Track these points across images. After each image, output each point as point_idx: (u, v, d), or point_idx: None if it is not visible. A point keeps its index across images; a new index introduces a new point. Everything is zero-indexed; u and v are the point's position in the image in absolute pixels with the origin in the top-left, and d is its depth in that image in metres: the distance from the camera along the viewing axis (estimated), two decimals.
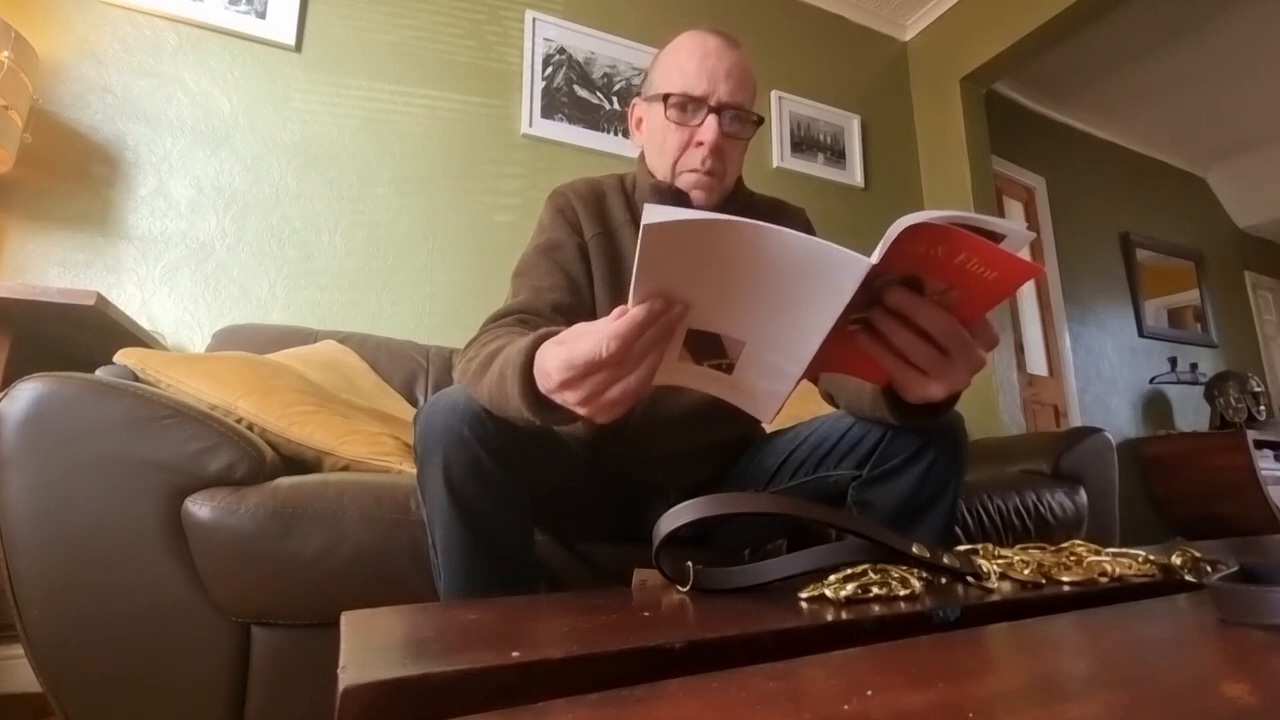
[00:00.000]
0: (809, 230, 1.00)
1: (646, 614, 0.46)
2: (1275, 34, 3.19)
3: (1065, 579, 0.52)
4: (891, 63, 3.01)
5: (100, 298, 1.16)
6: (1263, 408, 3.51)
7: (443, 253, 1.94)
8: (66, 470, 0.79)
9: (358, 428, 1.14)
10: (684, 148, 0.86)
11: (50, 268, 1.53)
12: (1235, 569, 0.42)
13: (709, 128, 0.83)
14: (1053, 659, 0.34)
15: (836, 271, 0.44)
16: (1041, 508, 1.45)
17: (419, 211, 1.94)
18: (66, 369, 0.84)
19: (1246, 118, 3.88)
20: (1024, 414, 2.66)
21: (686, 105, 0.84)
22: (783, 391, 0.55)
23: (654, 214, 0.40)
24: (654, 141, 0.89)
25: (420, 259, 1.91)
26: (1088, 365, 3.46)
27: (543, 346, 0.55)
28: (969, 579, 0.52)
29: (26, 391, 0.79)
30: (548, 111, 2.16)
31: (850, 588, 0.47)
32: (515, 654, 0.34)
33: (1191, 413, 3.81)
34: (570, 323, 0.81)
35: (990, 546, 0.60)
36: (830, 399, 0.89)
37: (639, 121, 0.94)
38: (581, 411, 0.53)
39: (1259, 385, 3.58)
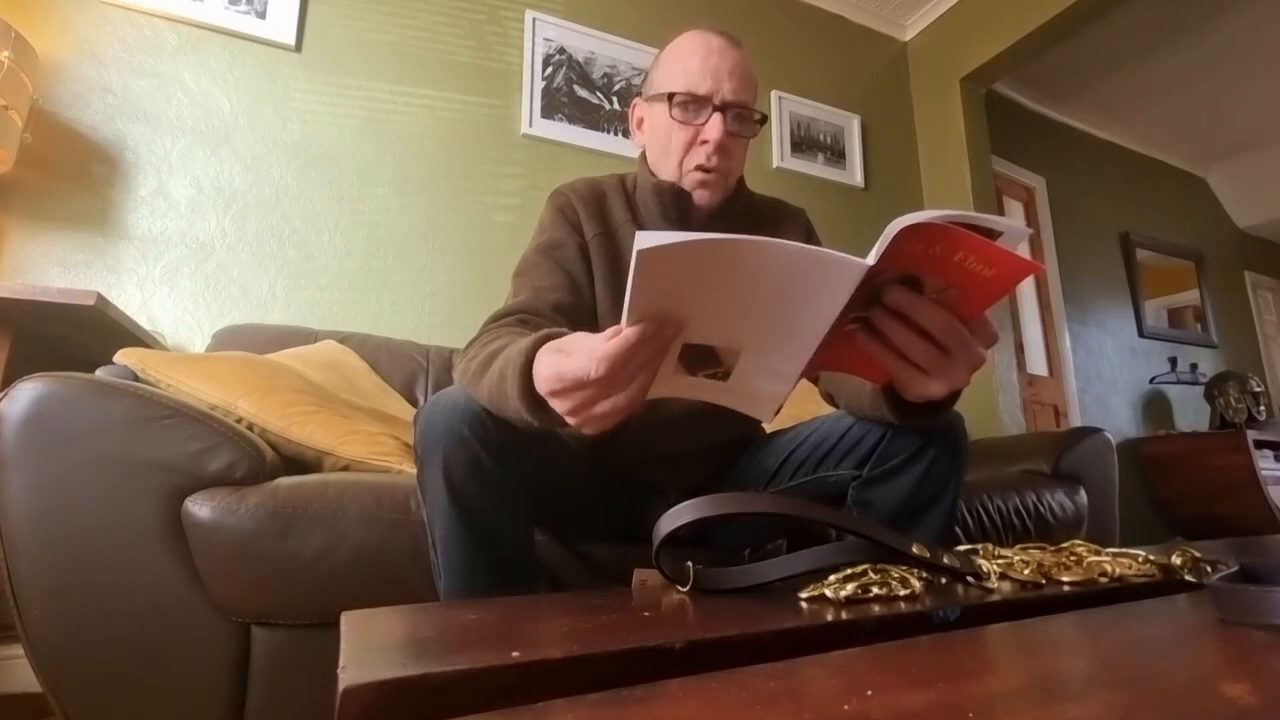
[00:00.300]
0: (809, 231, 1.00)
1: (646, 614, 0.46)
2: (1275, 34, 3.19)
3: (1065, 579, 0.52)
4: (891, 63, 3.01)
5: (100, 298, 1.16)
6: (1263, 408, 3.51)
7: (443, 253, 1.94)
8: (66, 470, 0.79)
9: (358, 428, 1.14)
10: (688, 146, 0.86)
11: (50, 268, 1.53)
12: (1235, 569, 0.42)
13: (714, 125, 0.83)
14: (1053, 659, 0.34)
15: (832, 277, 0.44)
16: (1041, 508, 1.45)
17: (419, 211, 1.94)
18: (66, 369, 0.84)
19: (1246, 118, 3.88)
20: (1024, 414, 2.66)
21: (691, 104, 0.84)
22: (781, 393, 0.55)
23: (646, 239, 0.40)
24: (657, 141, 0.89)
25: (420, 259, 1.91)
26: (1088, 365, 3.46)
27: (541, 350, 0.55)
28: (969, 579, 0.52)
29: (26, 391, 0.79)
30: (548, 111, 2.16)
31: (850, 588, 0.47)
32: (515, 654, 0.34)
33: (1191, 413, 3.81)
34: (571, 322, 0.81)
35: (990, 546, 0.60)
36: (830, 399, 0.90)
37: (640, 121, 0.94)
38: (570, 422, 0.53)
39: (1259, 385, 3.58)
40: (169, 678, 0.81)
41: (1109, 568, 0.55)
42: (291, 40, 1.85)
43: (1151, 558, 0.58)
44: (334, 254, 1.81)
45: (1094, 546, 0.61)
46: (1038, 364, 3.30)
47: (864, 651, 0.34)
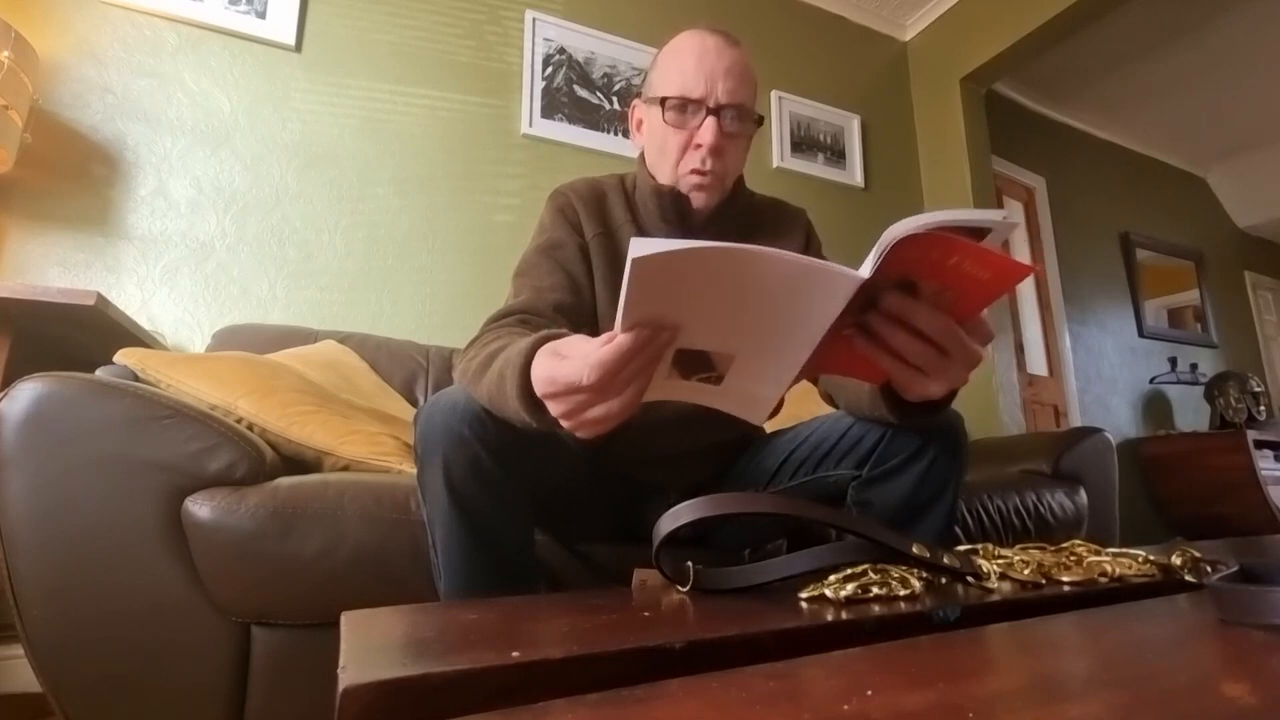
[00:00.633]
0: (810, 231, 1.00)
1: (646, 614, 0.46)
2: (1275, 34, 3.19)
3: (1065, 579, 0.52)
4: (891, 63, 3.01)
5: (100, 298, 1.16)
6: (1263, 408, 3.51)
7: (443, 253, 1.94)
8: (66, 470, 0.79)
9: (358, 428, 1.14)
10: (683, 150, 0.85)
11: (50, 268, 1.53)
12: (1235, 569, 0.42)
13: (708, 129, 0.83)
14: (1053, 659, 0.34)
15: (828, 288, 0.44)
16: (1041, 508, 1.45)
17: (419, 211, 1.94)
18: (66, 369, 0.84)
19: (1246, 118, 3.88)
20: (1024, 414, 2.66)
21: (685, 107, 0.84)
22: (774, 396, 0.55)
23: (641, 246, 0.40)
24: (654, 143, 0.89)
25: (420, 259, 1.91)
26: (1088, 365, 3.46)
27: (540, 351, 0.55)
28: (969, 579, 0.52)
29: (26, 391, 0.79)
30: (548, 111, 2.16)
31: (850, 588, 0.47)
32: (515, 654, 0.34)
33: (1191, 413, 3.81)
34: (571, 323, 0.81)
35: (990, 546, 0.60)
36: (830, 399, 0.89)
37: (639, 123, 0.94)
38: (564, 425, 0.53)
39: (1259, 385, 3.58)
40: (169, 678, 0.81)
41: (1109, 568, 0.55)
42: (291, 40, 1.85)
43: (1151, 558, 0.58)
44: (334, 254, 1.81)
45: (1094, 546, 0.61)
46: (1038, 364, 3.30)
47: (864, 651, 0.34)
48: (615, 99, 2.27)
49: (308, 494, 0.87)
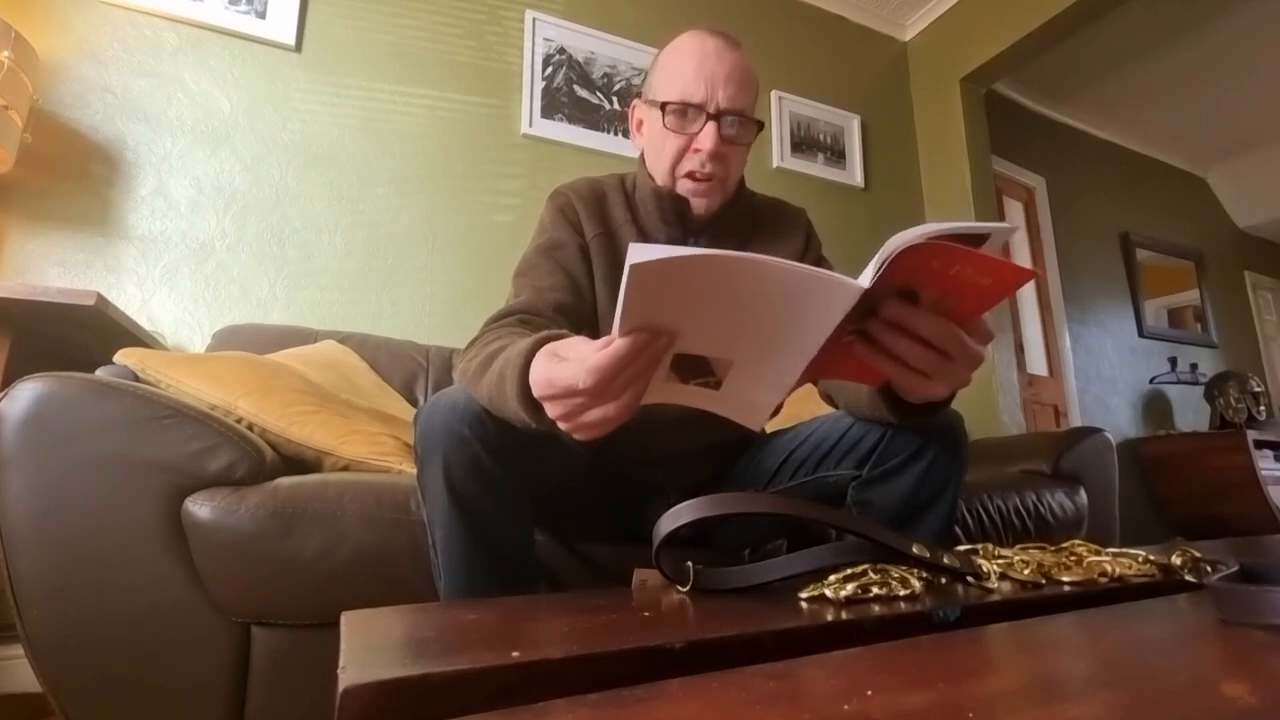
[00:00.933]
0: (810, 231, 1.00)
1: (646, 614, 0.46)
2: (1275, 34, 3.19)
3: (1065, 579, 0.52)
4: (891, 63, 3.01)
5: (100, 298, 1.16)
6: (1263, 408, 3.51)
7: (443, 253, 1.94)
8: (66, 470, 0.79)
9: (358, 428, 1.14)
10: (682, 153, 0.85)
11: (50, 268, 1.53)
12: (1235, 569, 0.42)
13: (707, 135, 0.83)
14: (1053, 659, 0.34)
15: (828, 297, 0.44)
16: (1041, 508, 1.45)
17: (419, 211, 1.94)
18: (66, 369, 0.84)
19: (1246, 118, 3.88)
20: (1024, 414, 2.66)
21: (685, 112, 0.84)
22: (773, 402, 0.55)
23: (639, 253, 0.40)
24: (653, 145, 0.89)
25: (420, 259, 1.91)
26: (1088, 365, 3.46)
27: (539, 353, 0.55)
28: (969, 579, 0.52)
29: (26, 391, 0.79)
30: (548, 111, 2.16)
31: (850, 588, 0.47)
32: (515, 654, 0.34)
33: (1191, 413, 3.81)
34: (572, 323, 0.81)
35: (990, 546, 0.60)
36: (830, 400, 0.89)
37: (639, 123, 0.94)
38: (561, 428, 0.53)
39: (1259, 385, 3.58)
40: (169, 678, 0.81)
41: (1109, 568, 0.55)
42: (291, 40, 1.85)
43: (1151, 558, 0.58)
44: (334, 254, 1.81)
45: (1094, 546, 0.61)
46: (1038, 364, 3.30)
47: (864, 651, 0.34)
48: (615, 99, 2.27)
49: (308, 494, 0.87)
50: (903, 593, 0.48)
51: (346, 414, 1.18)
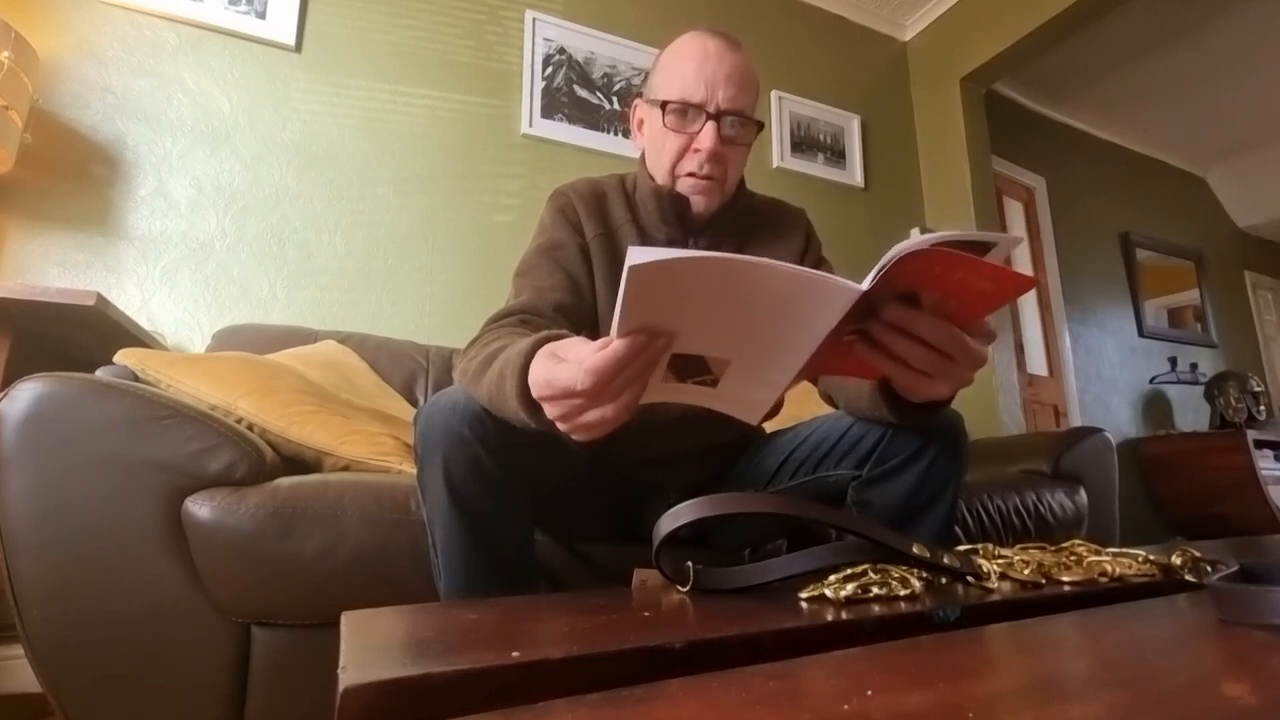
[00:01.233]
0: (809, 231, 1.00)
1: (646, 614, 0.46)
2: (1275, 34, 3.19)
3: (1065, 579, 0.52)
4: (891, 63, 3.01)
5: (100, 298, 1.16)
6: (1263, 408, 3.51)
7: (443, 253, 1.94)
8: (66, 470, 0.79)
9: (358, 428, 1.14)
10: (682, 153, 0.85)
11: (50, 268, 1.53)
12: (1235, 569, 0.42)
13: (707, 135, 0.83)
14: (1053, 659, 0.34)
15: (826, 299, 0.45)
16: (1041, 508, 1.45)
17: (419, 211, 1.94)
18: (66, 369, 0.84)
19: (1246, 118, 3.88)
20: (1024, 414, 2.66)
21: (685, 112, 0.84)
22: (770, 400, 0.55)
23: (638, 255, 0.40)
24: (654, 145, 0.89)
25: (420, 259, 1.91)
26: (1088, 365, 3.46)
27: (538, 353, 0.55)
28: (969, 579, 0.52)
29: (26, 391, 0.79)
30: (548, 111, 2.16)
31: (850, 588, 0.47)
32: (515, 654, 0.34)
33: (1191, 413, 3.81)
34: (572, 323, 0.81)
35: (990, 546, 0.60)
36: (829, 399, 0.89)
37: (640, 123, 0.94)
38: (560, 428, 0.53)
39: (1259, 385, 3.58)
40: (169, 678, 0.81)
41: (1109, 568, 0.55)
42: (291, 40, 1.85)
43: (1151, 558, 0.58)
44: (334, 254, 1.81)
45: (1094, 546, 0.61)
46: (1038, 364, 3.30)
47: (864, 651, 0.34)
48: (615, 99, 2.27)
49: (308, 494, 0.87)
50: (903, 593, 0.48)
51: (346, 414, 1.18)
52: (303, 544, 0.84)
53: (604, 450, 0.90)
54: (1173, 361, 3.77)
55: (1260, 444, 3.20)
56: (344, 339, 1.56)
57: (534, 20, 2.19)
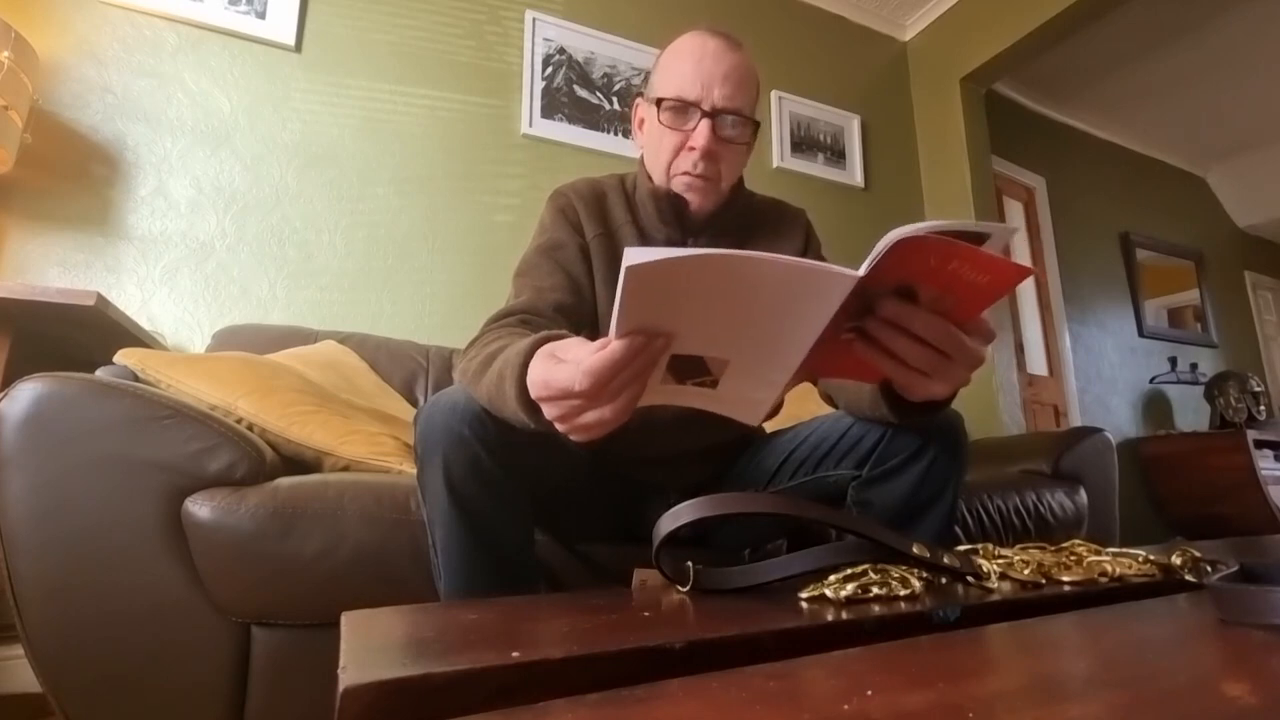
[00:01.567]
0: (809, 231, 1.00)
1: (646, 614, 0.46)
2: (1275, 34, 3.19)
3: (1065, 579, 0.52)
4: (891, 63, 3.01)
5: (100, 298, 1.16)
6: (1263, 408, 3.51)
7: (443, 253, 1.94)
8: (66, 470, 0.79)
9: (358, 428, 1.14)
10: (676, 151, 0.85)
11: (50, 268, 1.53)
12: (1235, 569, 0.42)
13: (701, 133, 0.83)
14: (1053, 659, 0.34)
15: (823, 288, 0.44)
16: (1041, 508, 1.45)
17: (419, 211, 1.94)
18: (66, 369, 0.84)
19: (1246, 118, 3.88)
20: (1024, 414, 2.66)
21: (680, 109, 0.84)
22: (769, 399, 0.55)
23: (634, 255, 0.40)
24: (651, 143, 0.89)
25: (420, 259, 1.91)
26: (1088, 365, 3.46)
27: (537, 353, 0.55)
28: (969, 579, 0.52)
29: (26, 391, 0.79)
30: (548, 111, 2.16)
31: (850, 588, 0.47)
32: (515, 654, 0.34)
33: (1191, 413, 3.81)
34: (572, 323, 0.81)
35: (990, 546, 0.60)
36: (829, 399, 0.89)
37: (641, 122, 0.94)
38: (558, 429, 0.53)
39: (1259, 385, 3.58)
40: (169, 678, 0.81)
41: (1109, 568, 0.55)
42: (291, 40, 1.85)
43: (1151, 558, 0.58)
44: (334, 254, 1.81)
45: (1094, 546, 0.61)
46: (1038, 364, 3.30)
47: (864, 651, 0.34)
48: (615, 99, 2.27)
49: (308, 494, 0.87)
50: (903, 593, 0.48)
51: (346, 414, 1.18)
52: (303, 544, 0.84)
53: (604, 450, 0.90)
54: (1173, 361, 3.77)
55: (1260, 444, 3.21)
56: (344, 339, 1.56)
57: (534, 20, 2.19)
